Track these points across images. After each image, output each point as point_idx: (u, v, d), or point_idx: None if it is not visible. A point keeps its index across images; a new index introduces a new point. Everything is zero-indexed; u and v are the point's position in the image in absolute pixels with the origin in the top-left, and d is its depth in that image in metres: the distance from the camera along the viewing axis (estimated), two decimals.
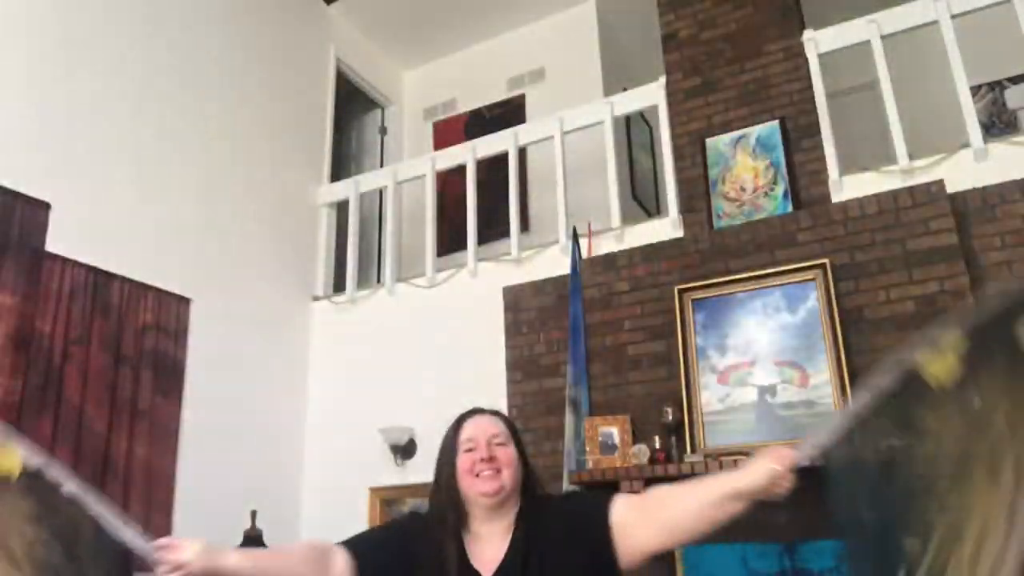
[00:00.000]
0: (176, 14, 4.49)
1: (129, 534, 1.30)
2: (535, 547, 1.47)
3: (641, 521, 1.44)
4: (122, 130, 4.04)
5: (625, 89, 4.81)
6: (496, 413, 1.65)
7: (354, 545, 1.51)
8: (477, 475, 1.51)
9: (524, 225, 4.90)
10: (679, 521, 1.39)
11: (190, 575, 1.28)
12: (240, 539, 3.70)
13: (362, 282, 5.19)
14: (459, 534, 1.51)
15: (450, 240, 5.07)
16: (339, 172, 5.77)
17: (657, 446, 3.45)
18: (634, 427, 3.55)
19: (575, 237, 4.14)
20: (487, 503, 1.51)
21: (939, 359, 0.78)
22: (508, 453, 1.54)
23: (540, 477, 1.67)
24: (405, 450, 4.38)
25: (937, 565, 0.82)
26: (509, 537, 1.51)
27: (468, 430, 1.58)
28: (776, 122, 3.94)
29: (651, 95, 4.47)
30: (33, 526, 1.30)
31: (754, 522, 3.21)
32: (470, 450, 1.54)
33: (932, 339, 0.81)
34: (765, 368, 3.42)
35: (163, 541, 1.30)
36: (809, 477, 1.15)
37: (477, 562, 1.48)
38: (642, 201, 5.59)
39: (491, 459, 1.52)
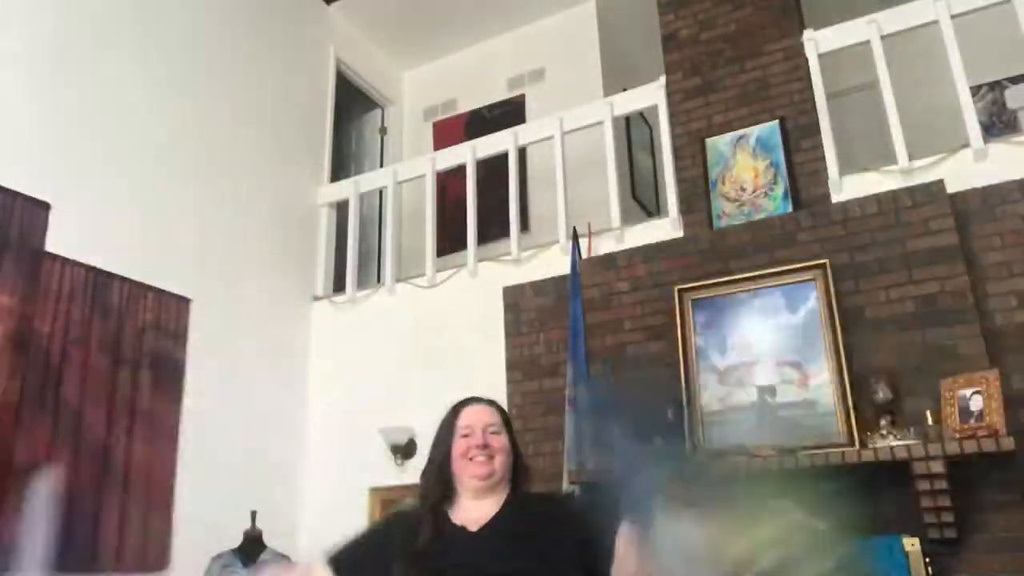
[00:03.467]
0: (176, 14, 4.49)
1: None
2: (530, 512, 1.58)
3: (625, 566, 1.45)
4: (122, 130, 4.03)
5: (625, 89, 4.80)
6: (492, 403, 1.74)
7: (335, 557, 1.59)
8: (471, 459, 1.60)
9: (524, 225, 4.90)
10: None
11: None
12: (240, 539, 3.70)
13: (362, 282, 5.18)
14: (440, 504, 1.60)
15: (450, 240, 5.06)
16: (339, 172, 5.76)
17: None
18: None
19: (575, 237, 4.14)
20: (478, 485, 1.59)
21: None
22: (502, 441, 1.64)
23: (531, 470, 1.75)
24: (405, 450, 4.37)
25: None
26: (495, 509, 1.59)
27: (466, 417, 1.67)
28: (776, 122, 3.93)
29: (651, 95, 4.46)
30: None
31: None
32: (466, 436, 1.63)
33: None
34: (765, 368, 3.41)
35: None
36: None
37: (461, 521, 1.57)
38: (642, 201, 5.59)
39: (485, 446, 1.61)
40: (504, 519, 1.57)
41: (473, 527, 1.55)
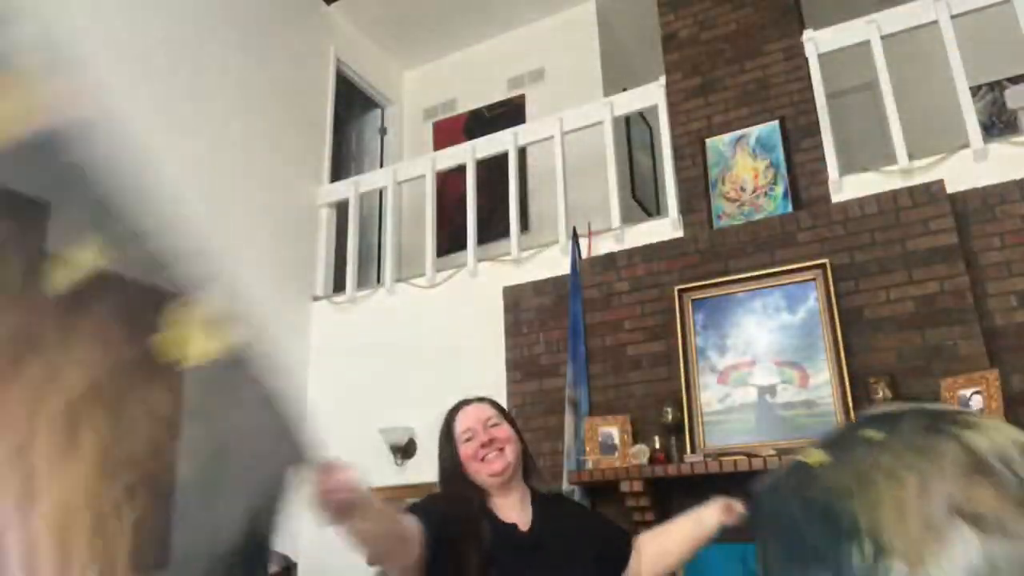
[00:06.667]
0: (176, 14, 4.49)
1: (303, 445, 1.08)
2: (557, 515, 1.63)
3: (648, 554, 1.66)
4: (121, 130, 4.03)
5: (625, 89, 4.80)
6: (482, 399, 1.73)
7: (420, 514, 1.53)
8: (482, 459, 1.58)
9: (524, 225, 4.90)
10: (665, 557, 1.67)
11: (341, 504, 1.22)
12: None
13: (362, 282, 5.18)
14: (486, 506, 1.59)
15: (450, 240, 5.07)
16: (339, 172, 5.76)
17: (657, 446, 3.45)
18: (634, 427, 3.55)
19: (575, 237, 4.14)
20: (496, 482, 1.59)
21: (813, 455, 1.00)
22: (504, 431, 1.63)
23: (535, 459, 1.80)
24: (405, 450, 4.37)
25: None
26: (528, 507, 1.63)
27: (462, 422, 1.65)
28: (776, 122, 3.93)
29: (651, 95, 4.46)
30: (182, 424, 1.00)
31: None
32: (469, 439, 1.61)
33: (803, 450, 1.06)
34: (765, 368, 3.41)
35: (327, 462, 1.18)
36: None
37: (508, 519, 1.60)
38: (642, 201, 5.59)
39: (491, 441, 1.60)
40: (549, 519, 1.61)
41: (524, 527, 1.58)
